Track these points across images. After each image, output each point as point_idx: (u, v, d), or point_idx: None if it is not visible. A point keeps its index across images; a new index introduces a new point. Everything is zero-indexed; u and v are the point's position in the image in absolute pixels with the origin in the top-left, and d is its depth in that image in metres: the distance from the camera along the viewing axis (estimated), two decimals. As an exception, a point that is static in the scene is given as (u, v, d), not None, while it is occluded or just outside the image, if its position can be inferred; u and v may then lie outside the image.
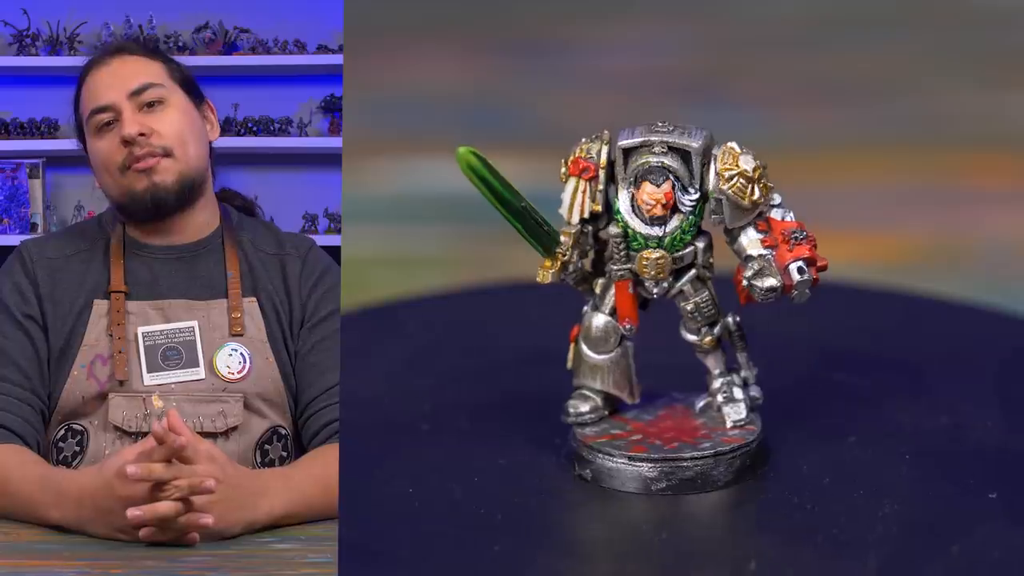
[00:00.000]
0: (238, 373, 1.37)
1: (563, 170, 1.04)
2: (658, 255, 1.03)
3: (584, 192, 1.02)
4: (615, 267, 1.04)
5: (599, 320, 1.05)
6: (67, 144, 2.84)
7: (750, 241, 1.04)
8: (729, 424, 1.06)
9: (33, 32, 2.89)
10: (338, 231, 2.87)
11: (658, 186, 1.01)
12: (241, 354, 1.37)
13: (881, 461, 1.04)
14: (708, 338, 1.07)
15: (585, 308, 1.06)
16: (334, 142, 2.90)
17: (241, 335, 1.38)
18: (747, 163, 1.02)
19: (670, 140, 1.02)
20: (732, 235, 1.05)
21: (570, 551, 0.98)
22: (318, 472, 1.25)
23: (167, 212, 1.40)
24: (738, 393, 1.07)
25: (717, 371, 1.08)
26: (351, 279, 1.37)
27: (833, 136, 1.59)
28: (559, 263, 1.03)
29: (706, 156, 1.03)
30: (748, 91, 1.64)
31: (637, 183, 1.02)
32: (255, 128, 2.86)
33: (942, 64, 1.66)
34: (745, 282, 1.03)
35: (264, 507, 1.21)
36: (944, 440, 1.06)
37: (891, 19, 1.69)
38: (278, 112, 2.92)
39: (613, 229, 1.03)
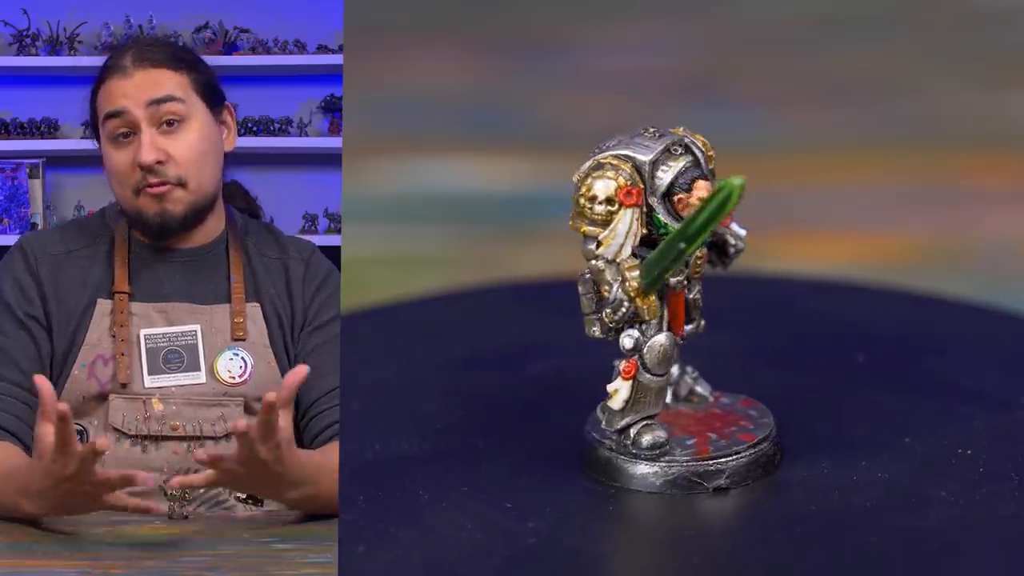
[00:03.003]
0: (239, 377, 1.37)
1: (607, 208, 1.00)
2: (703, 251, 1.03)
3: (638, 220, 1.01)
4: (677, 278, 1.02)
5: (668, 338, 1.01)
6: (67, 144, 2.85)
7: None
8: (711, 399, 1.07)
9: (33, 32, 2.89)
10: (338, 231, 2.87)
11: (708, 181, 1.01)
12: (243, 359, 1.37)
13: (881, 447, 1.04)
14: (703, 322, 1.06)
15: (634, 337, 1.01)
16: (334, 142, 2.90)
17: (243, 339, 1.37)
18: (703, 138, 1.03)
19: (678, 139, 1.02)
20: None
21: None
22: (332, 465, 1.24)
23: (172, 236, 1.40)
24: (693, 370, 1.08)
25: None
26: (351, 279, 1.37)
27: (833, 136, 1.59)
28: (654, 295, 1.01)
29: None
30: (748, 91, 1.64)
31: (686, 187, 1.00)
32: (255, 128, 2.86)
33: (942, 64, 1.66)
34: (732, 250, 1.04)
35: (285, 494, 1.21)
36: (943, 438, 1.06)
37: (891, 19, 1.69)
38: (278, 112, 2.92)
39: None
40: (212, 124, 1.41)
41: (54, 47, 2.89)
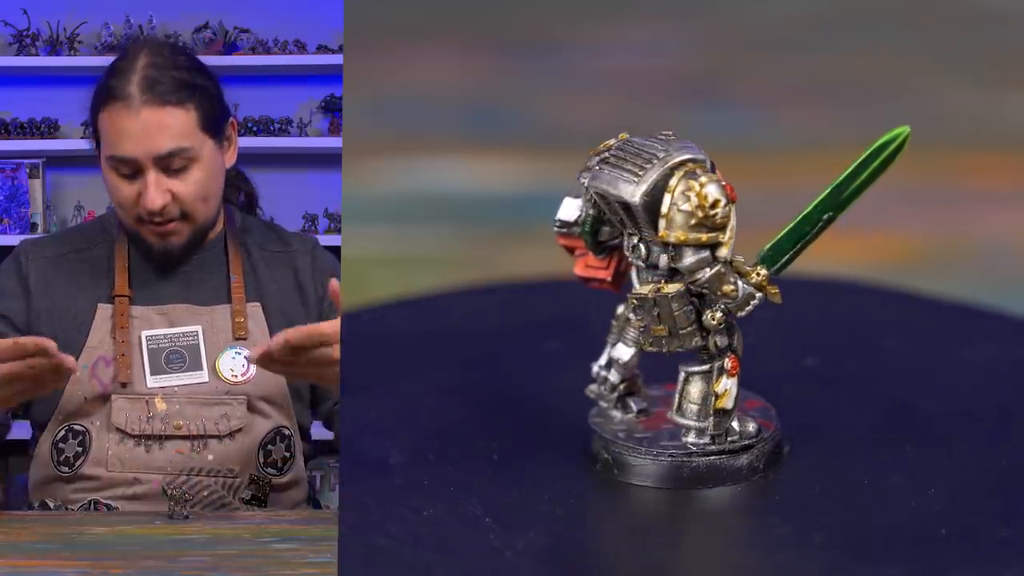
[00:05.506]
0: (241, 376, 1.37)
1: (726, 209, 0.97)
2: None
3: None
4: None
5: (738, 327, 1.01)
6: (67, 144, 2.85)
7: None
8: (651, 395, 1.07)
9: (33, 32, 2.89)
10: (338, 231, 2.87)
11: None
12: (244, 357, 1.37)
13: (876, 449, 1.04)
14: None
15: (727, 341, 1.00)
16: (334, 142, 2.90)
17: (244, 339, 1.38)
18: None
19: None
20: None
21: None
22: None
23: (174, 264, 1.40)
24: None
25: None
26: (351, 279, 1.37)
27: (833, 136, 1.59)
28: None
29: None
30: (748, 91, 1.64)
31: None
32: (255, 128, 2.87)
33: (942, 64, 1.66)
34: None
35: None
36: (942, 437, 1.06)
37: (891, 19, 1.69)
38: (278, 112, 2.92)
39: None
40: (216, 157, 1.41)
41: (54, 47, 2.89)
